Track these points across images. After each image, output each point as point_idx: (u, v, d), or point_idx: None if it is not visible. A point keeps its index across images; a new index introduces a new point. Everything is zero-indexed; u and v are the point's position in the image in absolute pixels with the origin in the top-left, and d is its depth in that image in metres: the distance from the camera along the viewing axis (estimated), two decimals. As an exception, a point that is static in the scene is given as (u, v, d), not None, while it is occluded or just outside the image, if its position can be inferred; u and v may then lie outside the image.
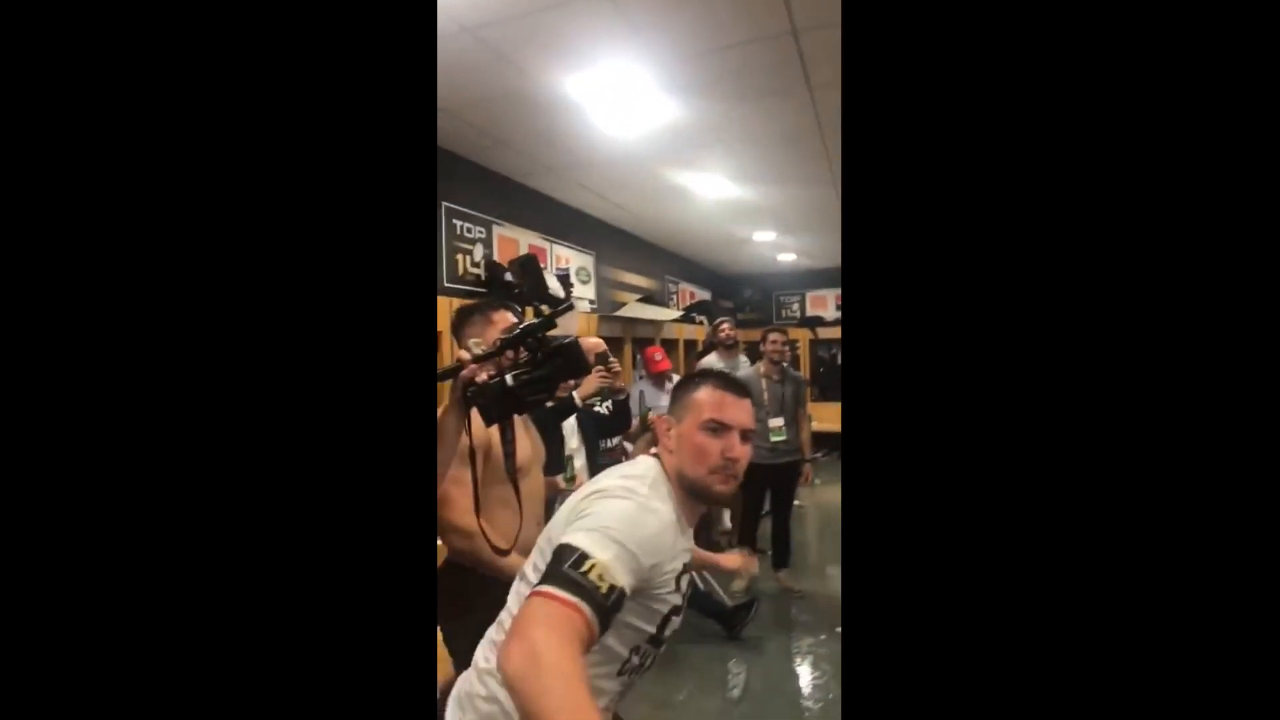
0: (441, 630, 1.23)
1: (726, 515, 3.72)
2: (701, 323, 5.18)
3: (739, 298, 6.85)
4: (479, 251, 2.93)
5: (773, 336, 3.12)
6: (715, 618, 2.64)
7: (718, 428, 0.90)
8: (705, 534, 3.38)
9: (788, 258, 6.00)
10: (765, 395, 3.01)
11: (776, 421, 3.00)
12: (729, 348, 3.51)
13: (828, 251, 5.83)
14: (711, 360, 3.55)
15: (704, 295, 5.96)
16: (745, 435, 0.92)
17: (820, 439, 3.30)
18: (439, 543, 1.25)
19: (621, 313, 3.94)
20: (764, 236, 4.92)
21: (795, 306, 6.93)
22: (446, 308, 2.31)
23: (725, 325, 3.56)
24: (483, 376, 0.87)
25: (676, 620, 0.88)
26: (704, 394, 0.93)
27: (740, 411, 0.92)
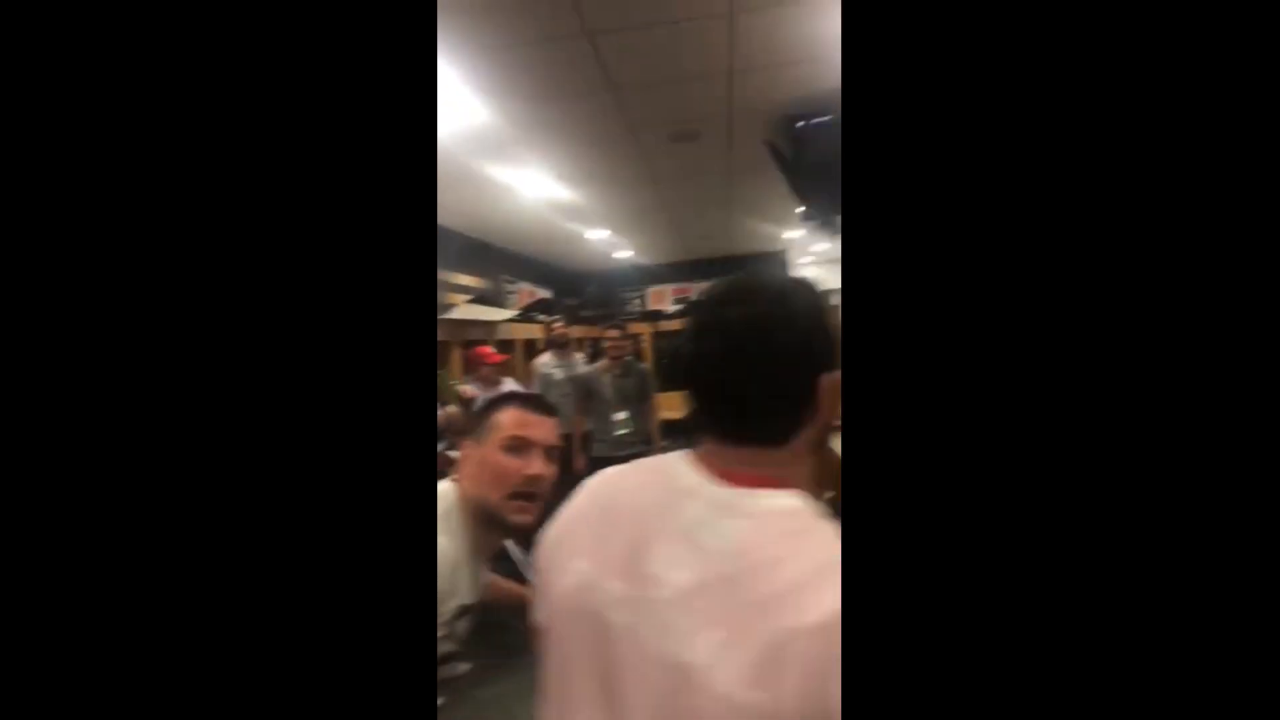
0: None
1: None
2: (543, 322, 5.13)
3: (583, 294, 6.89)
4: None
5: (610, 334, 3.17)
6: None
7: (519, 445, 0.87)
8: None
9: (625, 254, 6.13)
10: (608, 390, 3.05)
11: (620, 415, 3.05)
12: (562, 346, 3.51)
13: (662, 248, 6.04)
14: (545, 360, 3.52)
15: (545, 293, 5.91)
16: (549, 454, 0.89)
17: (667, 427, 3.41)
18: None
19: (448, 315, 3.77)
20: (597, 235, 4.97)
21: (638, 302, 7.11)
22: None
23: (557, 324, 3.55)
24: None
25: (461, 667, 0.84)
26: (506, 414, 0.90)
27: (543, 429, 0.89)
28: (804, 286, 0.54)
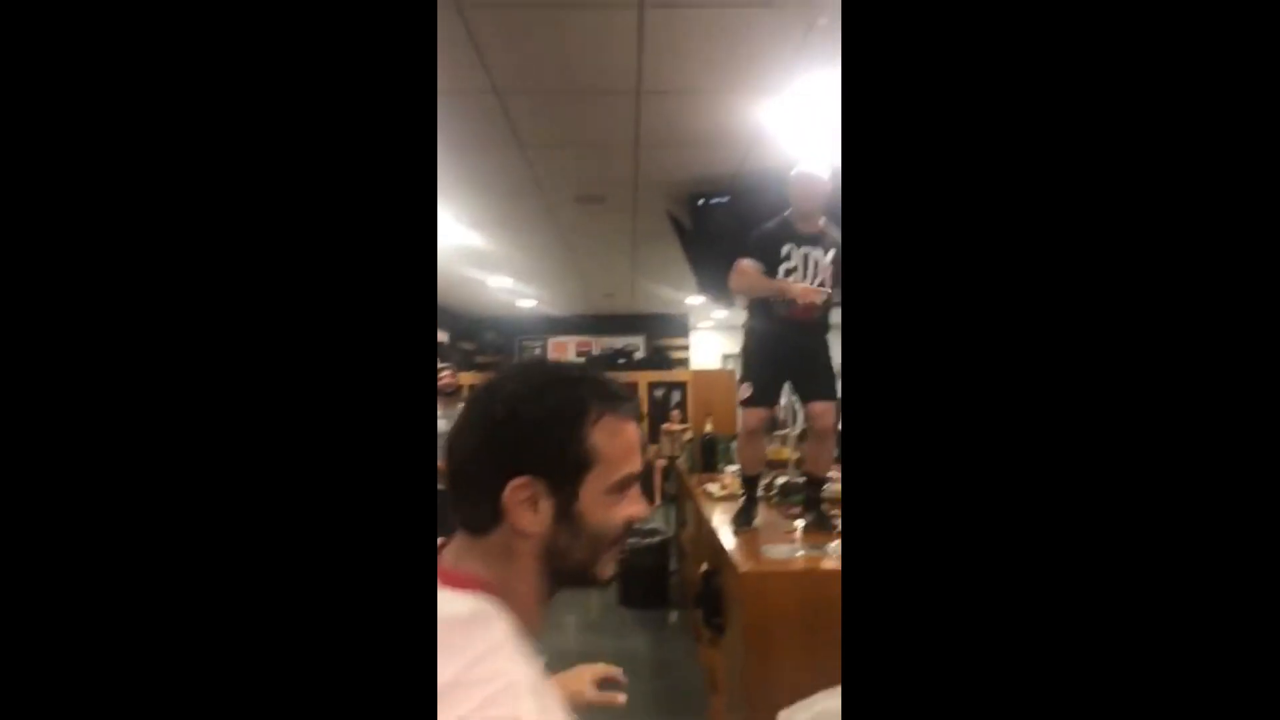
0: None
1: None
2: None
3: (481, 340, 6.73)
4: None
5: None
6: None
7: None
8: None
9: (528, 303, 6.09)
10: None
11: None
12: (449, 395, 3.37)
13: (567, 299, 6.07)
14: (431, 408, 3.37)
15: (440, 337, 5.72)
16: None
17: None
18: None
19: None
20: (501, 282, 4.92)
21: (538, 351, 7.03)
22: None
23: (445, 372, 3.41)
24: None
25: None
26: None
27: None
28: (521, 390, 0.51)
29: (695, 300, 5.78)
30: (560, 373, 0.53)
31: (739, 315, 2.12)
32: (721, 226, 2.72)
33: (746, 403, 1.80)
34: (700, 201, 2.78)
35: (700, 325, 7.64)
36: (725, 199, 2.73)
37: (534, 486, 0.49)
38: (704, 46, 1.71)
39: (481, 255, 4.00)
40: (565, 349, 7.01)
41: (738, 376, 1.85)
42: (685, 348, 7.28)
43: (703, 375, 6.27)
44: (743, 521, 1.79)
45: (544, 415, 0.50)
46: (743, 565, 1.44)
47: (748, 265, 1.73)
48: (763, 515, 1.93)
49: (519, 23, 1.59)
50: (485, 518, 0.50)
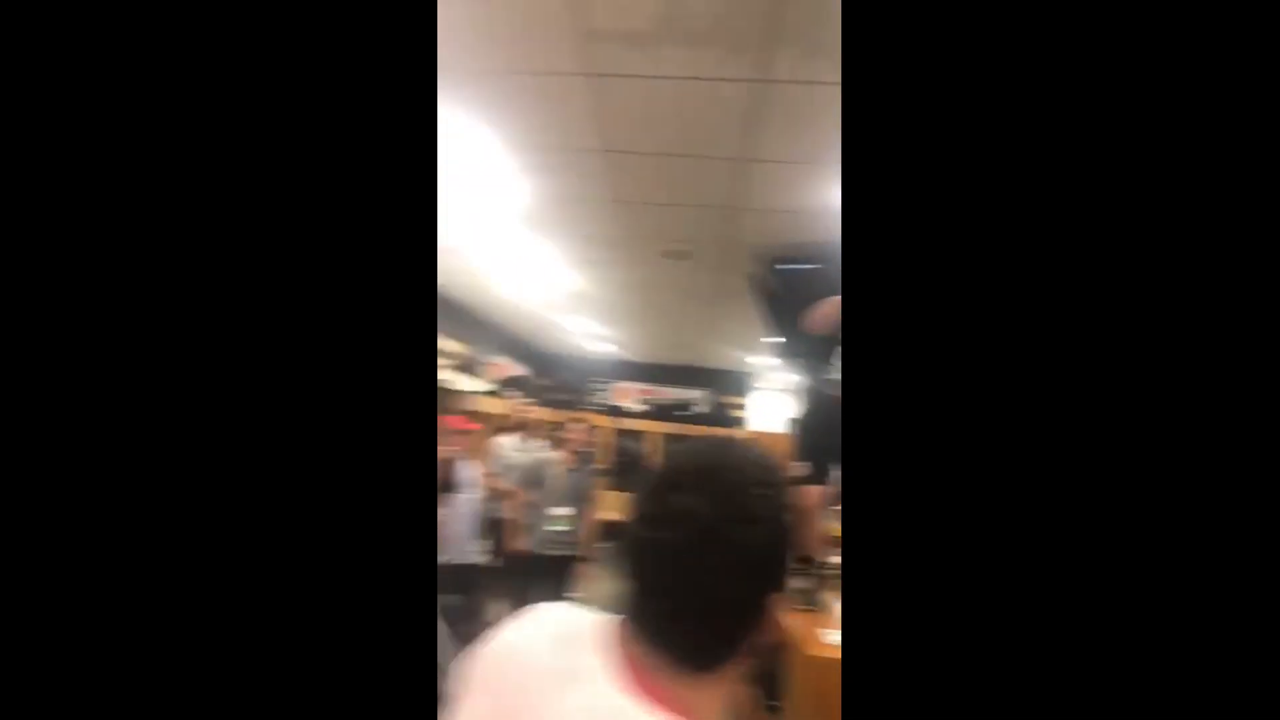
0: None
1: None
2: (513, 399, 5.06)
3: (555, 376, 6.86)
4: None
5: (572, 426, 3.09)
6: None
7: None
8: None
9: (603, 346, 6.20)
10: (557, 483, 2.95)
11: (560, 510, 2.94)
12: (526, 428, 3.42)
13: (637, 347, 6.15)
14: (503, 440, 3.44)
15: (520, 370, 5.87)
16: None
17: (605, 529, 3.29)
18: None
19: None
20: (580, 324, 5.04)
21: (603, 395, 7.11)
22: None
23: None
24: None
25: None
26: None
27: None
28: (771, 472, 0.44)
29: (756, 360, 5.74)
30: (741, 455, 0.46)
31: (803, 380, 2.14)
32: (800, 293, 2.72)
33: (802, 481, 1.77)
34: (783, 266, 2.80)
35: (758, 386, 7.54)
36: (813, 266, 2.74)
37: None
38: (808, 121, 1.76)
39: (567, 296, 4.13)
40: (627, 394, 7.06)
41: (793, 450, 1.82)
42: (743, 407, 7.19)
43: (761, 437, 6.15)
44: (805, 602, 1.74)
45: (783, 505, 0.44)
46: (809, 648, 1.39)
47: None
48: (825, 596, 1.86)
49: (641, 91, 1.69)
50: (727, 651, 0.42)
